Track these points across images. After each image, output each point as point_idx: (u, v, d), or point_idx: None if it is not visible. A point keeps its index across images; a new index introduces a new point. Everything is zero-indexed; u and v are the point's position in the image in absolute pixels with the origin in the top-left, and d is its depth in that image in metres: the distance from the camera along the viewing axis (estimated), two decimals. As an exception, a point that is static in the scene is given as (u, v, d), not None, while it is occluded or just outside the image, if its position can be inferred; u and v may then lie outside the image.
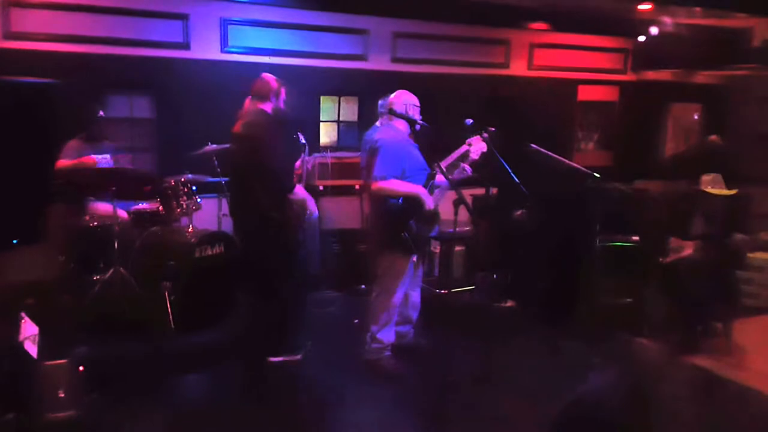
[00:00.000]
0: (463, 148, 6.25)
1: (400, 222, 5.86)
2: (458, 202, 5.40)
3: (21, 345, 4.82)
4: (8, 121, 6.61)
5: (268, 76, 5.93)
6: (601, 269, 7.16)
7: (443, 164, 5.84)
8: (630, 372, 5.70)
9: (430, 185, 5.95)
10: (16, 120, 6.71)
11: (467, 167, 6.07)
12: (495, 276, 7.96)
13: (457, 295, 8.32)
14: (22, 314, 5.08)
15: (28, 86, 7.10)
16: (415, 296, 6.54)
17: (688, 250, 6.89)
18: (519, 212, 7.82)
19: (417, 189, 5.87)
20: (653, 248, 7.22)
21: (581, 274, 7.17)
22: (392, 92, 6.59)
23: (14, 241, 6.37)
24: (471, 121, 5.99)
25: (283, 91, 5.94)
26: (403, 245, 5.89)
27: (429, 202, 5.85)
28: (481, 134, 6.02)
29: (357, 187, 8.40)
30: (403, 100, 6.15)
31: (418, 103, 6.20)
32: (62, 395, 4.82)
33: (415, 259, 6.14)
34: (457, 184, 5.62)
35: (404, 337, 6.59)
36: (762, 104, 11.13)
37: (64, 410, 4.82)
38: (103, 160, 7.15)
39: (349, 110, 9.92)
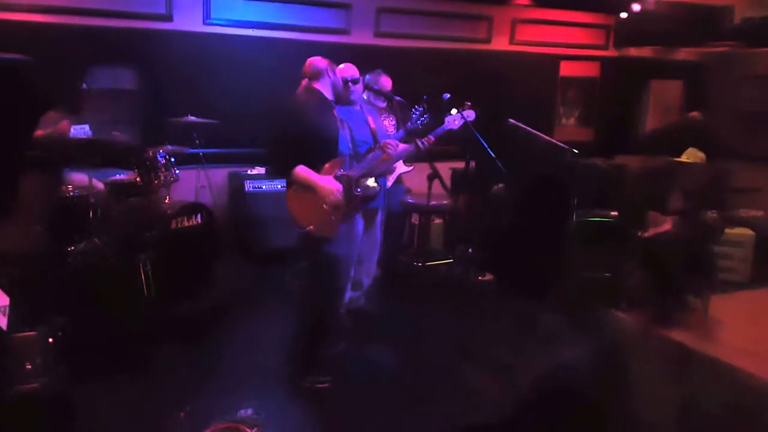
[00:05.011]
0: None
1: None
2: (432, 177, 5.28)
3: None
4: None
5: (315, 58, 5.34)
6: (579, 243, 7.06)
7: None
8: (605, 345, 5.62)
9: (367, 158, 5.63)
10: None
11: (431, 139, 5.98)
12: (470, 250, 7.81)
13: (434, 267, 8.13)
14: (-5, 284, 4.91)
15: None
16: (370, 263, 6.47)
17: (666, 224, 6.77)
18: (498, 186, 7.71)
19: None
20: (632, 223, 7.11)
21: (559, 248, 7.07)
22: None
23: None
24: (448, 95, 5.87)
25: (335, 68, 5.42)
26: None
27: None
28: (459, 110, 5.91)
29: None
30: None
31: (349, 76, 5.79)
32: (29, 367, 4.66)
33: (361, 223, 5.91)
34: (426, 155, 5.47)
35: (354, 302, 6.49)
36: (741, 82, 11.04)
37: (30, 382, 4.65)
38: (80, 130, 6.97)
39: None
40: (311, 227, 4.93)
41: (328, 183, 4.93)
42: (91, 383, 5.00)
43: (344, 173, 5.12)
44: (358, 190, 5.20)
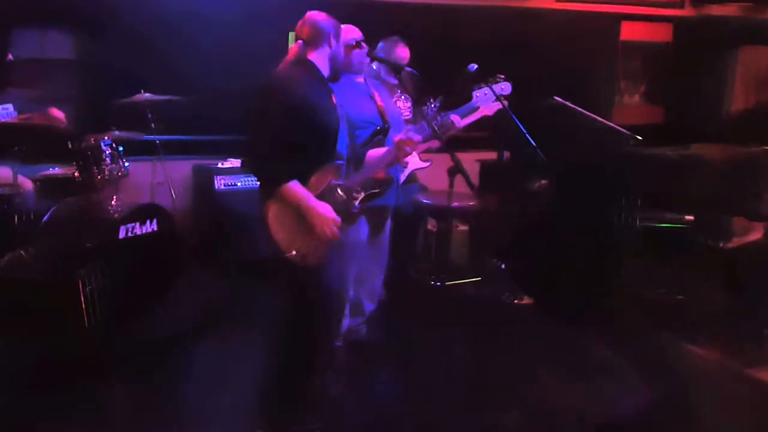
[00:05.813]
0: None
1: None
2: (454, 171, 5.22)
3: None
4: None
5: (317, 15, 4.98)
6: (643, 256, 7.06)
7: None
8: (674, 387, 5.67)
9: (375, 140, 5.48)
10: None
11: (456, 119, 5.66)
12: (503, 265, 7.83)
13: (457, 287, 8.03)
14: None
15: None
16: (375, 282, 6.41)
17: (756, 233, 6.79)
18: (539, 183, 7.72)
19: None
20: (711, 231, 7.12)
21: (617, 263, 7.07)
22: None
23: None
24: (475, 66, 5.81)
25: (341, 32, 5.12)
26: None
27: None
28: (489, 85, 5.83)
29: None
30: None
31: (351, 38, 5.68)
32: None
33: (364, 229, 5.78)
34: (446, 144, 5.42)
35: (354, 332, 6.42)
36: None
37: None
38: (3, 112, 7.01)
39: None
40: (294, 252, 4.70)
41: (325, 211, 4.67)
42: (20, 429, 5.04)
43: (339, 183, 4.89)
44: (360, 192, 5.01)
